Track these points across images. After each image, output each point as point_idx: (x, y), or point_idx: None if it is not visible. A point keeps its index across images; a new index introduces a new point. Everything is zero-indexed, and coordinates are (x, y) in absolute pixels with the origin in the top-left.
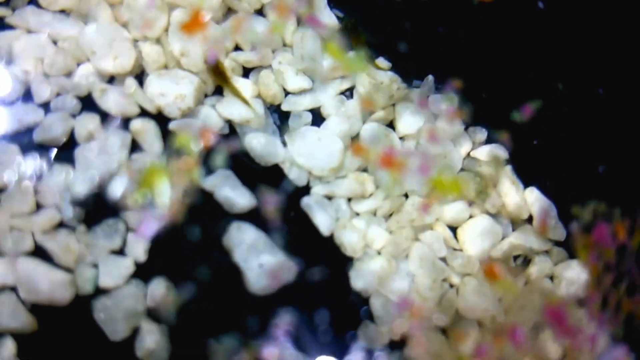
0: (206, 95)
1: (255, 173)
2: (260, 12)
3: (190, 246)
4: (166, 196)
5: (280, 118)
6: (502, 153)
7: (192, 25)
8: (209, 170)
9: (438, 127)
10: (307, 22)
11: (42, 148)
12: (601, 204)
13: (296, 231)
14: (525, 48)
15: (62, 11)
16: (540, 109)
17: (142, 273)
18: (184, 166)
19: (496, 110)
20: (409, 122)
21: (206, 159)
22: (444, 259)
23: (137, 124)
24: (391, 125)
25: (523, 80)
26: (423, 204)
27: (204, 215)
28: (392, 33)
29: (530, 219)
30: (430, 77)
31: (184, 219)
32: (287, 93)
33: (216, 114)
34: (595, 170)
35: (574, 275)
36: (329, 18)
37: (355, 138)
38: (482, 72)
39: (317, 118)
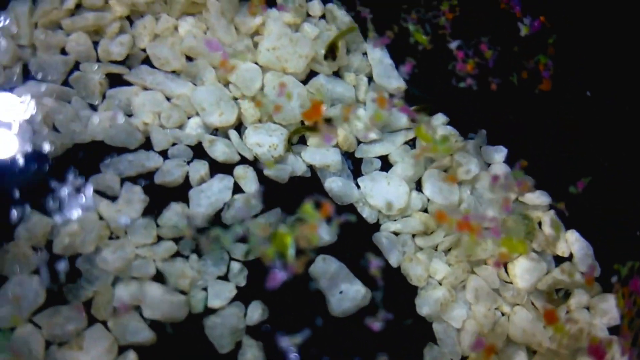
0: (292, 144)
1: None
2: (337, 73)
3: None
4: (292, 254)
5: (353, 164)
6: (546, 199)
7: (312, 113)
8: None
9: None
10: (401, 111)
11: (161, 189)
12: (637, 262)
13: (370, 263)
14: (575, 128)
15: (173, 72)
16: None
17: (243, 296)
18: (307, 231)
19: (552, 183)
20: (464, 169)
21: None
22: (496, 290)
23: (239, 170)
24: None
25: (574, 157)
26: (497, 261)
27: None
28: (456, 101)
29: (570, 257)
30: (483, 131)
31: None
32: (359, 142)
33: (301, 160)
34: (634, 233)
35: (608, 307)
36: (397, 82)
37: (418, 182)
38: (538, 147)
39: (386, 164)
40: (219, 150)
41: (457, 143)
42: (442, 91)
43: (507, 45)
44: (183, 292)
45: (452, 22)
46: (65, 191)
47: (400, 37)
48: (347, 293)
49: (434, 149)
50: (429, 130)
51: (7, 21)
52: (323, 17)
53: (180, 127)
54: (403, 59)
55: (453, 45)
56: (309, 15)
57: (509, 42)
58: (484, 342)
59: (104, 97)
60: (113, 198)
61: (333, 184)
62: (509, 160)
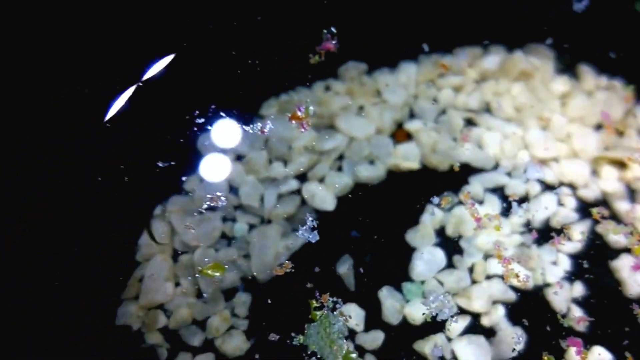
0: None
1: None
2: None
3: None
4: None
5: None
6: None
7: None
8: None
9: None
10: None
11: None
12: None
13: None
14: None
15: (506, 118)
16: None
17: (568, 277)
18: None
19: None
20: None
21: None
22: None
23: (562, 189)
24: None
25: None
26: None
27: (596, 257)
28: None
29: None
30: None
31: None
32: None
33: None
34: None
35: None
36: None
37: None
38: None
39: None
40: (547, 175)
41: None
42: None
43: None
44: (530, 270)
45: None
46: (451, 195)
47: None
48: None
49: None
50: None
51: (398, 76)
52: None
53: (514, 156)
54: None
55: None
56: None
57: None
58: None
59: (461, 132)
60: (480, 202)
61: (623, 205)
62: None
